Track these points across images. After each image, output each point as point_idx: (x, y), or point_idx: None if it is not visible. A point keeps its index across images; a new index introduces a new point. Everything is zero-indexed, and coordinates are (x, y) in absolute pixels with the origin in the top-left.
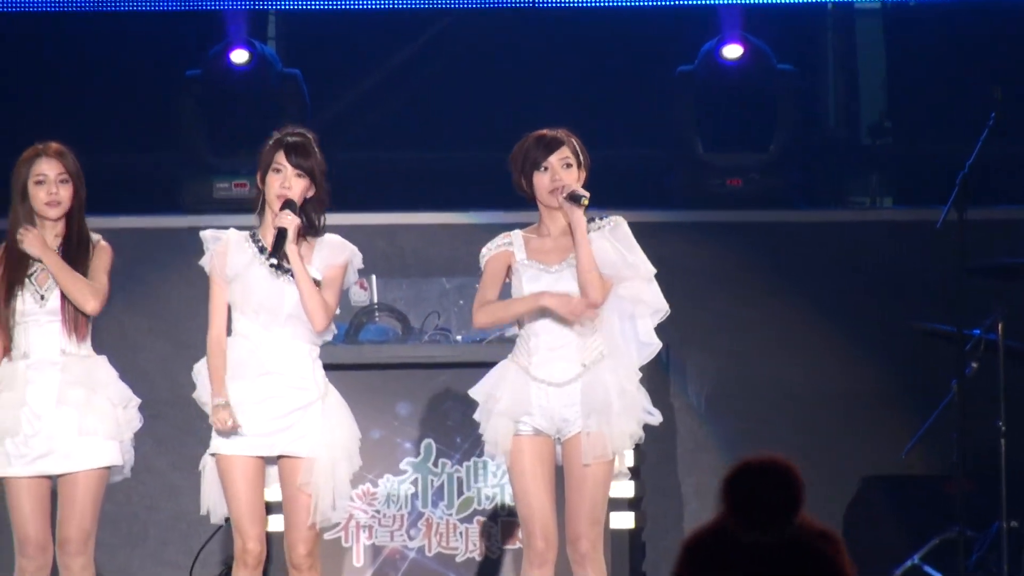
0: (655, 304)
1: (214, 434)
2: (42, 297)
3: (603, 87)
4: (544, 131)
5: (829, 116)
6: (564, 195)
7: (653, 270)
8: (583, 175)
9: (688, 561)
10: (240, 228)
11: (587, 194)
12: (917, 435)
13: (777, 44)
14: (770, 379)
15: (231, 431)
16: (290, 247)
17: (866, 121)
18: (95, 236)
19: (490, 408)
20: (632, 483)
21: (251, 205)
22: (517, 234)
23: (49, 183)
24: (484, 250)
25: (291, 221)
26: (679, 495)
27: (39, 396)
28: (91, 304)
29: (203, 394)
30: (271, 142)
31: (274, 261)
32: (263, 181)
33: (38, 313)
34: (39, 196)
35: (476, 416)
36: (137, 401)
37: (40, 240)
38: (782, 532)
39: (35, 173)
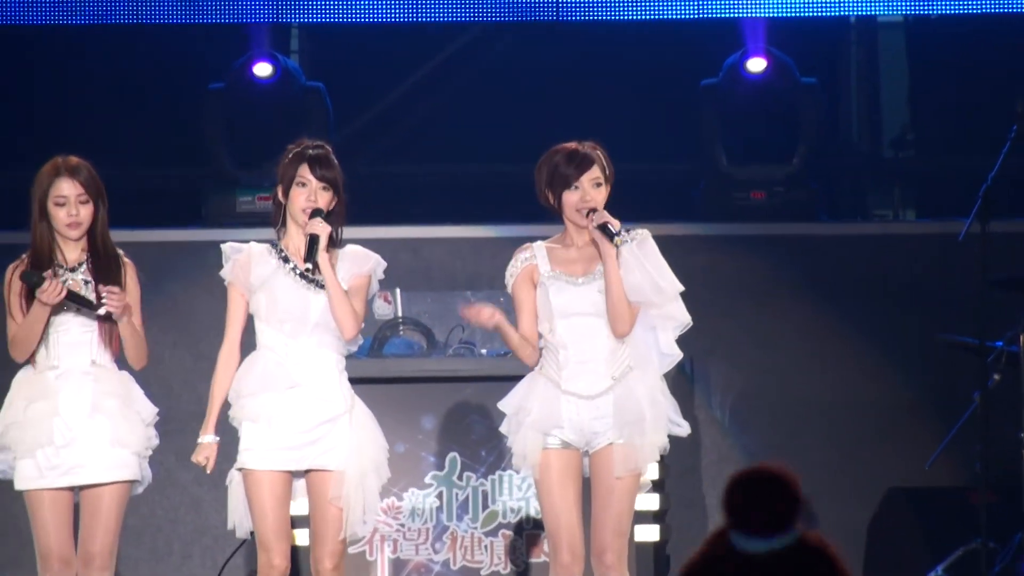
0: (680, 319)
1: (241, 448)
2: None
3: (627, 101)
4: (574, 146)
5: (852, 129)
6: (596, 224)
7: (680, 288)
8: (608, 189)
9: None
10: (261, 242)
11: (619, 232)
12: (940, 447)
13: (800, 58)
14: (793, 391)
15: (205, 464)
16: (321, 255)
17: (889, 134)
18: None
19: (520, 420)
20: (657, 496)
21: (272, 219)
22: (539, 246)
23: (70, 204)
24: (508, 272)
25: (323, 228)
26: (703, 507)
27: (71, 406)
28: (144, 362)
29: (238, 410)
30: (290, 155)
31: (306, 267)
32: (285, 195)
33: (71, 323)
34: (60, 217)
35: (503, 429)
36: (155, 418)
37: (123, 299)
38: (781, 541)
39: (55, 194)
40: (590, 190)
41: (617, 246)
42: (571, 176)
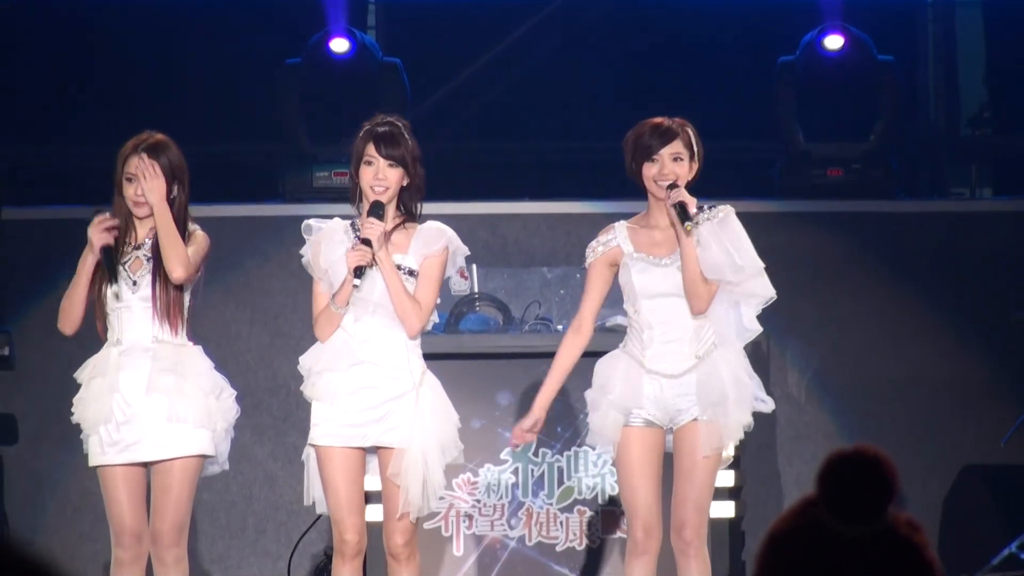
0: (763, 294)
1: (312, 425)
2: (134, 283)
3: (705, 78)
4: (660, 120)
5: (929, 107)
6: (671, 202)
7: (761, 265)
8: (695, 166)
9: (775, 551)
10: (344, 217)
11: (693, 217)
12: (1016, 424)
13: (878, 35)
14: (870, 368)
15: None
16: (379, 254)
17: (966, 112)
18: (192, 226)
19: (600, 399)
20: (732, 472)
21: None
22: (621, 226)
23: (137, 182)
24: (589, 250)
25: (374, 230)
26: (779, 484)
27: (130, 383)
28: (177, 272)
29: (305, 386)
30: (361, 133)
31: (354, 284)
32: (356, 173)
33: (130, 299)
34: (128, 194)
35: (589, 403)
36: (232, 391)
37: (162, 189)
38: (876, 523)
39: (127, 170)
40: (668, 163)
41: (688, 231)
42: (651, 148)
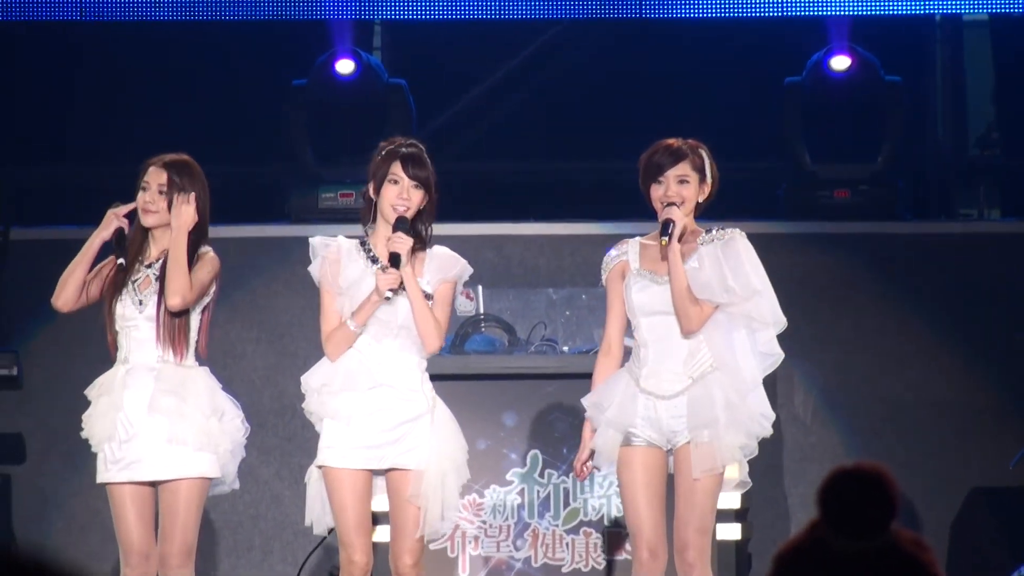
0: (761, 318)
1: (322, 446)
2: (140, 302)
3: (711, 98)
4: (672, 141)
5: (937, 128)
6: (662, 217)
7: (757, 288)
8: (707, 188)
9: (782, 571)
10: (351, 237)
11: (672, 234)
12: None
13: (885, 56)
14: (876, 390)
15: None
16: (405, 269)
17: (974, 133)
18: (204, 248)
19: (598, 417)
20: (738, 494)
21: (358, 215)
22: (635, 241)
23: (149, 191)
24: (603, 264)
25: (404, 244)
26: (785, 506)
27: (133, 402)
28: (173, 300)
29: (312, 405)
30: (383, 152)
31: (386, 296)
32: (376, 192)
33: (137, 319)
34: (138, 201)
35: (588, 412)
36: (237, 412)
37: (189, 218)
38: (878, 539)
39: (142, 179)
40: (674, 185)
41: (663, 244)
42: (658, 169)
